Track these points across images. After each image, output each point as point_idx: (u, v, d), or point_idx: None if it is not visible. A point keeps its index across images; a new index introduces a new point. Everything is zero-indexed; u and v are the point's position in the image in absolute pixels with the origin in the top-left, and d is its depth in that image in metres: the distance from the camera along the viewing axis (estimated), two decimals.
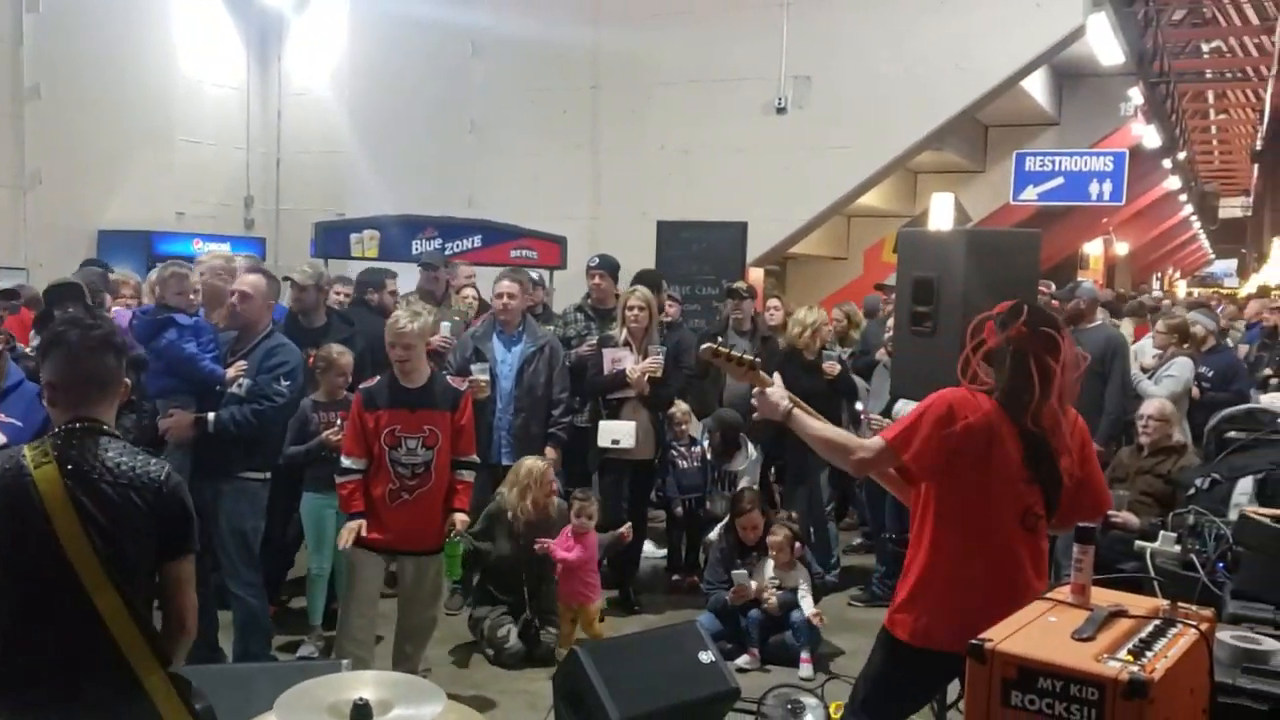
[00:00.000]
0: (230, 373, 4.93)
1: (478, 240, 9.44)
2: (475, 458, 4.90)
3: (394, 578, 4.87)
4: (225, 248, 10.83)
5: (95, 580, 2.41)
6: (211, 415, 4.81)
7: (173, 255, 9.27)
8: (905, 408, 6.47)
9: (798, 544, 5.66)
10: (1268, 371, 9.07)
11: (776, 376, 3.38)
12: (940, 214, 12.12)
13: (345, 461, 4.68)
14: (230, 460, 4.82)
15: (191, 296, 5.37)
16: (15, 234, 10.19)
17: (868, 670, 3.27)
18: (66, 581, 2.40)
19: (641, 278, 6.97)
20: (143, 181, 11.29)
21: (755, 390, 3.34)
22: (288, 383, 4.89)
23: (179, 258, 6.82)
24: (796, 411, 3.23)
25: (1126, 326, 9.52)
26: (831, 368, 6.48)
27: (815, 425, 3.21)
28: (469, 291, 7.72)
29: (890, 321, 6.31)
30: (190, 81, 11.93)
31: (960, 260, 4.97)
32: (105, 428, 2.56)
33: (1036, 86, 11.99)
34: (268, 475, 5.00)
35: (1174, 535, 4.38)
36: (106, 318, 2.73)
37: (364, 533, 4.57)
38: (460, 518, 4.74)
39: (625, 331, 6.25)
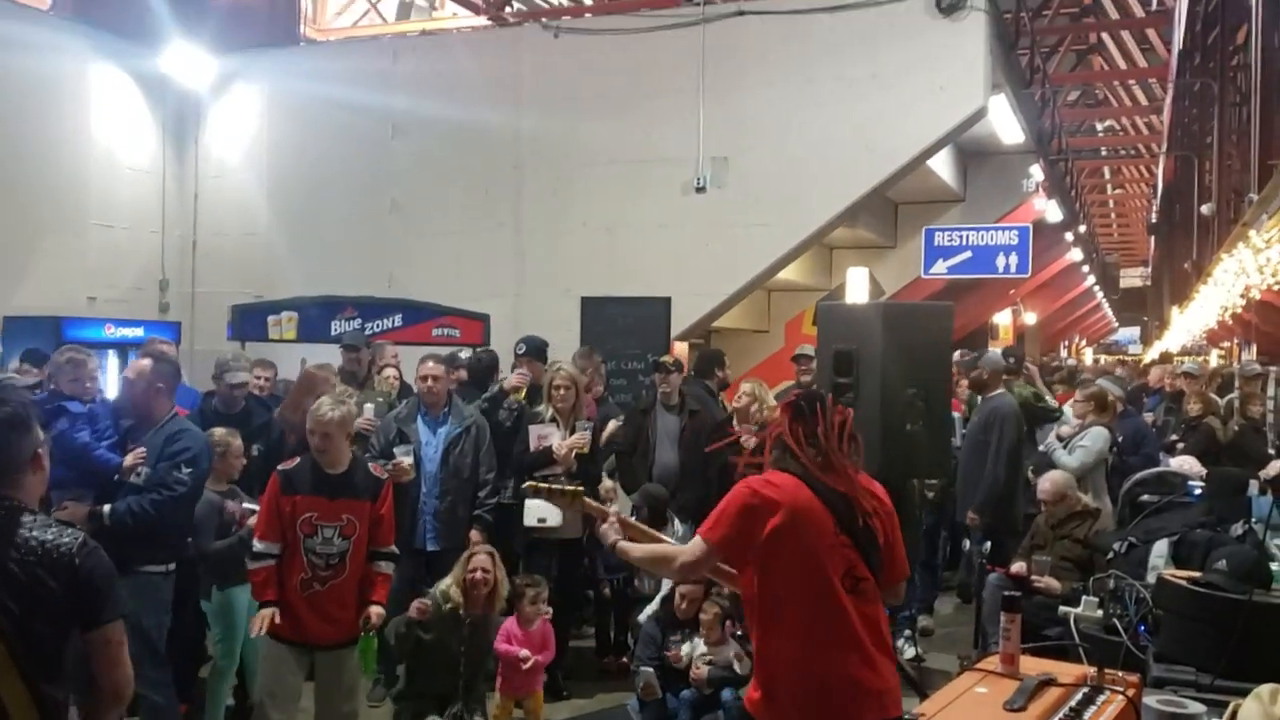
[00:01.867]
0: (128, 460, 4.75)
1: (398, 319, 9.35)
2: (394, 549, 4.77)
3: (311, 670, 4.71)
4: (139, 332, 10.63)
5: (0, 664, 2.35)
6: (107, 508, 4.62)
7: (83, 340, 9.05)
8: None
9: (729, 621, 5.63)
10: (1174, 437, 9.35)
11: (614, 507, 3.44)
12: (856, 288, 12.37)
13: (258, 546, 4.50)
14: (129, 553, 4.61)
15: (88, 384, 5.23)
16: None
17: None
18: None
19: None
20: (53, 265, 11.03)
21: (598, 524, 3.37)
22: (189, 470, 4.70)
23: (89, 343, 6.67)
24: (621, 545, 3.31)
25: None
26: (748, 441, 6.54)
27: (638, 551, 3.29)
28: (390, 371, 7.64)
29: None
30: (105, 165, 11.76)
31: (878, 332, 5.10)
32: (19, 504, 2.52)
33: (942, 165, 12.41)
34: (171, 567, 4.79)
35: (1096, 600, 4.47)
36: (21, 395, 2.70)
37: (276, 619, 4.42)
38: (376, 610, 4.59)
39: (551, 409, 6.23)
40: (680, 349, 10.25)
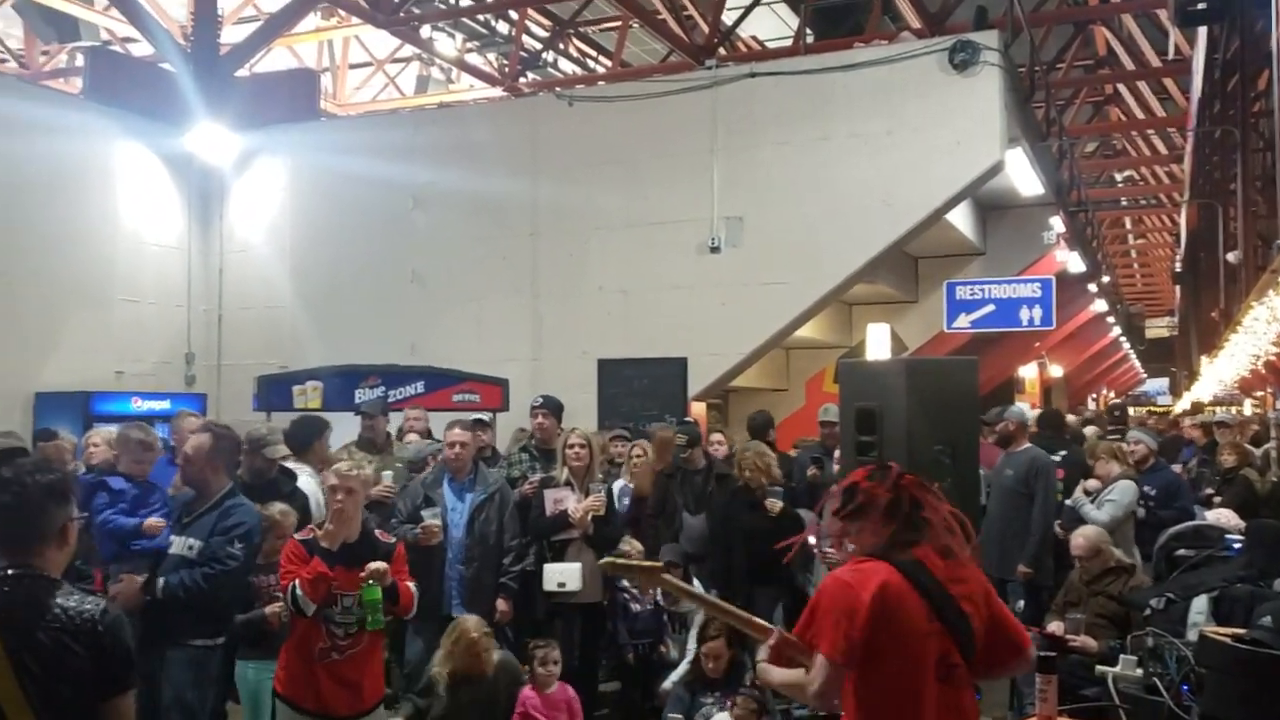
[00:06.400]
0: (146, 523, 4.91)
1: (420, 386, 9.40)
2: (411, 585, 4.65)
3: None
4: (166, 405, 10.70)
5: None
6: (160, 580, 4.66)
7: (111, 414, 9.13)
8: None
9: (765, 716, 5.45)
10: (1209, 490, 9.16)
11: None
12: (877, 344, 12.33)
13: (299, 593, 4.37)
14: (180, 626, 4.63)
15: (145, 468, 5.32)
16: None
17: None
18: None
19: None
20: (81, 342, 11.16)
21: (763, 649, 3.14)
22: (241, 545, 4.74)
23: (117, 417, 6.73)
24: (763, 666, 3.15)
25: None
26: (773, 505, 6.45)
27: (778, 675, 3.12)
28: (412, 436, 7.68)
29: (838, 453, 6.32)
30: (131, 242, 11.94)
31: (901, 389, 5.04)
32: (44, 574, 2.55)
33: (962, 219, 12.39)
34: (219, 641, 4.80)
35: (1134, 659, 4.35)
36: (56, 466, 2.74)
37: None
38: (374, 566, 4.36)
39: (566, 471, 6.21)
40: (698, 409, 10.20)
